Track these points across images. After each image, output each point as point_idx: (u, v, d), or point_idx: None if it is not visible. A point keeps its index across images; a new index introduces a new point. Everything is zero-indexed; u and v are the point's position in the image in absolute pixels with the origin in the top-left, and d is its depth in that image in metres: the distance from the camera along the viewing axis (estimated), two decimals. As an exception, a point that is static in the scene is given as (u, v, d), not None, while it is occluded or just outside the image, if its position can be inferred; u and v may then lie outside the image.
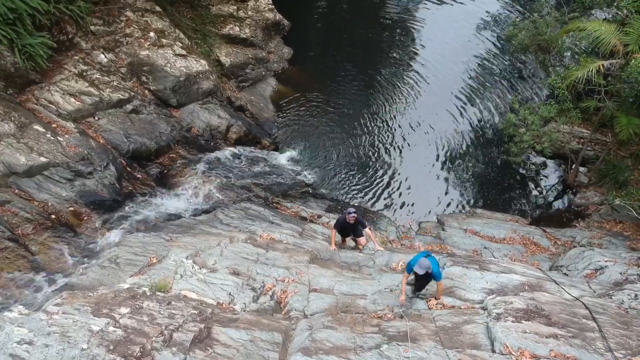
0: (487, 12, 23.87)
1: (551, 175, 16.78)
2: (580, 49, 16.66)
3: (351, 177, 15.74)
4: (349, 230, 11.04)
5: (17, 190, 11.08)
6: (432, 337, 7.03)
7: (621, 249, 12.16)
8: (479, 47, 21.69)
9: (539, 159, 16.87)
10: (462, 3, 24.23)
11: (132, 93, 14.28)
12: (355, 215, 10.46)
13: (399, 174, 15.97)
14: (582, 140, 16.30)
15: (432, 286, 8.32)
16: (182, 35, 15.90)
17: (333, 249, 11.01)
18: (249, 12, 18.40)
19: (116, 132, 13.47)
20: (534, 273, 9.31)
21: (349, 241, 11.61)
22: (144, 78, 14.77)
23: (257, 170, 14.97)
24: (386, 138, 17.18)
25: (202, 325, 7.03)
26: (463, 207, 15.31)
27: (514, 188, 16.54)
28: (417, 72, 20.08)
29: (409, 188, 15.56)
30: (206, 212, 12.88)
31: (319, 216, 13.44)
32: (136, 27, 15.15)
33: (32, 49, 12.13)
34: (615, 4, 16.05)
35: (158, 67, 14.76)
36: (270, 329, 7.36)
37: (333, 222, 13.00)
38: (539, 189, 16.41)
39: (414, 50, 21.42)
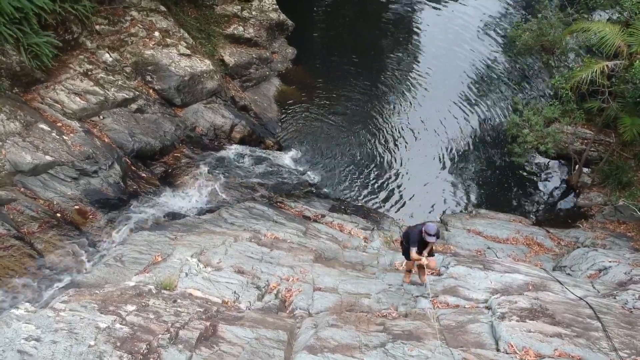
0: (489, 13, 23.88)
1: (554, 176, 16.78)
2: (584, 50, 16.64)
3: (355, 177, 15.76)
4: (422, 249, 8.30)
5: (22, 189, 11.13)
6: (436, 336, 7.05)
7: (625, 250, 12.16)
8: (482, 48, 21.70)
9: (542, 160, 16.87)
10: (465, 4, 24.25)
11: (137, 92, 14.32)
12: (435, 238, 7.83)
13: (403, 174, 15.98)
14: (585, 141, 16.27)
15: (437, 284, 8.33)
16: (186, 35, 15.94)
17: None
18: (253, 12, 18.42)
19: (121, 131, 13.52)
20: (537, 273, 9.34)
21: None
22: (148, 77, 14.81)
23: (261, 169, 15.00)
24: (390, 138, 17.19)
25: (208, 323, 7.05)
26: (466, 207, 15.31)
27: (517, 188, 16.54)
28: (421, 73, 20.09)
29: (412, 188, 15.57)
30: (210, 211, 12.93)
31: (323, 215, 13.46)
32: (141, 26, 15.20)
33: (37, 48, 12.20)
34: (619, 5, 16.03)
35: (162, 66, 14.81)
36: (276, 327, 7.39)
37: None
38: (542, 189, 16.41)
39: (417, 50, 21.44)
